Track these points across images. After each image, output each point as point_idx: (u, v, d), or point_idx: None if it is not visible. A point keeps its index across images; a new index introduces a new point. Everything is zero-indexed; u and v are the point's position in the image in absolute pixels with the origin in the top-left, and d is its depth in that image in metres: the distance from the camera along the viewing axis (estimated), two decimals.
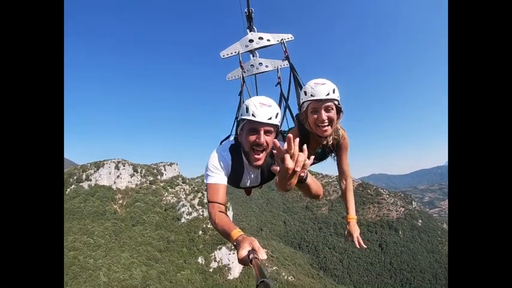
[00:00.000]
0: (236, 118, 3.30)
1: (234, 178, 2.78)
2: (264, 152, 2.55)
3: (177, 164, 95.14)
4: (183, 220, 72.65)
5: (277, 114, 2.52)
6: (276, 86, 4.48)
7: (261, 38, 4.64)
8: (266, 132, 2.48)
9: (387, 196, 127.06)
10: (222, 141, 3.11)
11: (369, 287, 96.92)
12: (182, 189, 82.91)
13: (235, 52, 4.62)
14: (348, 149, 3.22)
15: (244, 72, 4.72)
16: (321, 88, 2.69)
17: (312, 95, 2.72)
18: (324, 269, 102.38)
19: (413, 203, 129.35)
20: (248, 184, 3.00)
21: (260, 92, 5.32)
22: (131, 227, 67.24)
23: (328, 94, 2.67)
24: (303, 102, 2.87)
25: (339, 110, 2.80)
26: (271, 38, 4.63)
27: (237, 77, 5.16)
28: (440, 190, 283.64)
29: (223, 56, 4.64)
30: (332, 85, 2.74)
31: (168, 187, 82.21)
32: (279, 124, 2.59)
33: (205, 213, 74.03)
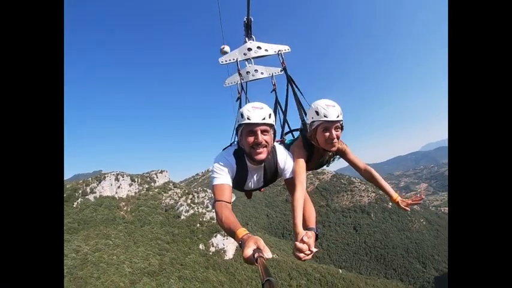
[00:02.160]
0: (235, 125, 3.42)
1: (238, 181, 2.99)
2: (265, 148, 2.78)
3: (167, 171, 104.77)
4: (182, 217, 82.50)
5: (270, 114, 2.78)
6: (271, 92, 4.67)
7: (259, 48, 4.83)
8: (263, 132, 2.73)
9: (359, 184, 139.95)
10: (224, 148, 3.18)
11: (347, 264, 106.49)
12: (175, 193, 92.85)
13: (233, 59, 4.78)
14: (350, 150, 3.57)
15: (242, 78, 4.92)
16: (333, 110, 2.95)
17: (325, 116, 2.96)
18: None
19: None
20: (252, 186, 3.20)
21: (254, 100, 4.81)
22: (140, 227, 76.92)
23: (338, 116, 2.97)
24: (314, 121, 3.09)
25: (342, 128, 3.14)
26: (269, 48, 4.83)
27: (234, 83, 5.38)
28: (415, 175, 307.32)
29: (222, 62, 4.78)
30: (339, 108, 3.03)
31: (163, 192, 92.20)
32: (273, 123, 2.83)
33: (200, 210, 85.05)
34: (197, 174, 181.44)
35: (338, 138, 3.09)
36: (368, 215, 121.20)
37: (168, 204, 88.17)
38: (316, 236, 2.51)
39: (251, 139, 2.71)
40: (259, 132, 2.70)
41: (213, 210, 2.73)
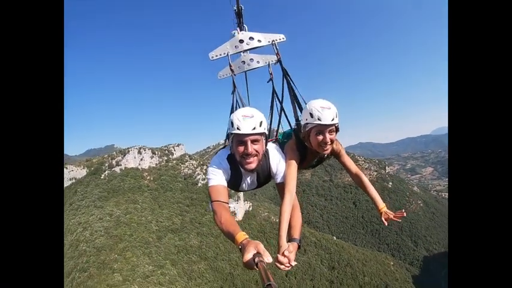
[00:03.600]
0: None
1: (233, 183, 3.06)
2: (256, 157, 2.81)
3: (183, 145, 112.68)
4: (199, 184, 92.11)
5: (261, 122, 2.73)
6: (267, 82, 4.63)
7: (251, 38, 4.55)
8: (253, 142, 2.73)
9: (362, 162, 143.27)
10: (218, 151, 3.21)
11: (344, 236, 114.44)
12: (191, 164, 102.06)
13: (224, 53, 4.50)
14: (344, 152, 3.51)
15: (234, 74, 4.56)
16: (327, 113, 2.88)
17: (319, 119, 2.89)
18: (307, 222, 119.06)
19: (386, 168, 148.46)
20: (246, 188, 3.26)
21: (252, 90, 5.18)
22: (163, 193, 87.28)
23: (333, 119, 2.91)
24: (308, 123, 3.01)
25: (337, 130, 3.07)
26: (262, 39, 4.55)
27: (228, 75, 4.92)
28: (422, 158, 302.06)
29: (212, 57, 4.50)
30: (335, 109, 2.95)
31: (180, 163, 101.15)
32: (265, 131, 2.80)
33: None
34: (208, 147, 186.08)
35: (332, 141, 3.06)
36: None
37: (187, 174, 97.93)
38: (298, 246, 2.66)
39: (241, 149, 2.73)
40: (249, 142, 2.71)
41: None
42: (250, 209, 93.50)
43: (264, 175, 3.19)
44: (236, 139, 2.75)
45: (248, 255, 1.79)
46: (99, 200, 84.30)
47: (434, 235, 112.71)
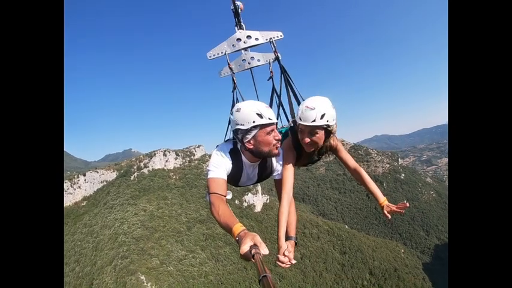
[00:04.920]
0: (230, 120, 3.26)
1: (233, 178, 3.04)
2: (279, 143, 2.89)
3: (203, 146, 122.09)
4: None
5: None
6: (268, 80, 4.63)
7: (249, 37, 4.59)
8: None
9: (375, 155, 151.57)
10: (218, 146, 3.19)
11: (357, 226, 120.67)
12: None
13: (221, 53, 4.53)
14: (342, 147, 3.45)
15: (234, 72, 4.60)
16: (308, 114, 2.88)
17: (300, 118, 2.94)
18: (322, 215, 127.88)
19: (399, 160, 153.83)
20: (245, 183, 3.29)
21: (251, 87, 5.09)
22: (189, 190, 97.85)
23: (314, 121, 2.87)
24: (295, 120, 3.12)
25: (328, 132, 3.01)
26: (260, 37, 4.60)
27: (229, 74, 4.86)
28: (438, 149, 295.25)
29: (210, 56, 4.53)
30: (321, 110, 2.88)
31: (202, 163, 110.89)
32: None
33: None
34: None
35: (314, 143, 3.04)
36: (381, 184, 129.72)
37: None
38: (295, 243, 2.91)
39: (271, 138, 2.79)
40: (276, 130, 2.82)
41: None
42: (268, 201, 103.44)
43: (266, 170, 3.24)
44: (265, 129, 2.77)
45: (245, 247, 1.80)
46: (132, 199, 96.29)
47: (446, 224, 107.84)
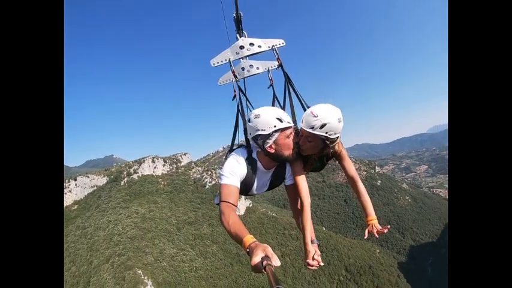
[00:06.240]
0: (237, 127, 3.69)
1: (246, 185, 3.11)
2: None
3: (189, 153, 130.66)
4: (207, 186, 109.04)
5: None
6: (268, 88, 4.80)
7: (251, 44, 4.69)
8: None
9: (353, 163, 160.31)
10: (231, 150, 3.39)
11: (336, 230, 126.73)
12: (197, 170, 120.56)
13: (225, 60, 4.62)
14: (347, 156, 3.46)
15: (238, 80, 4.67)
16: (310, 120, 2.93)
17: (302, 121, 3.00)
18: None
19: (376, 168, 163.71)
20: (256, 192, 3.34)
21: (253, 95, 5.23)
22: (177, 194, 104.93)
23: (312, 128, 2.91)
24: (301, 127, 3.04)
25: (323, 140, 2.98)
26: (262, 44, 4.69)
27: (229, 81, 5.10)
28: (417, 156, 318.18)
29: (214, 64, 4.61)
30: (323, 120, 2.87)
31: (188, 170, 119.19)
32: None
33: (219, 181, 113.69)
34: (208, 155, 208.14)
35: (307, 149, 3.08)
36: None
37: (196, 178, 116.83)
38: (318, 245, 2.97)
39: (291, 142, 2.93)
40: (294, 133, 2.94)
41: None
42: (250, 205, 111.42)
43: (279, 176, 3.31)
44: (285, 133, 2.88)
45: (256, 259, 1.80)
46: (123, 202, 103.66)
47: (421, 227, 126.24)
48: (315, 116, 2.90)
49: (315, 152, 3.21)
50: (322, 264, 2.91)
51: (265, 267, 1.71)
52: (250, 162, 3.10)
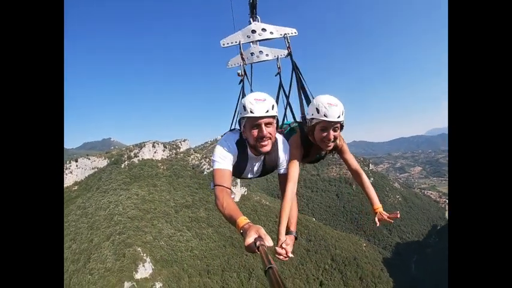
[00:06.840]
0: (236, 110, 3.63)
1: (238, 169, 3.11)
2: (270, 140, 2.86)
3: (188, 140, 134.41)
4: (205, 172, 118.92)
5: (273, 106, 2.80)
6: (275, 75, 4.81)
7: (264, 30, 4.67)
8: (267, 124, 2.79)
9: None
10: (224, 134, 3.27)
11: (326, 222, 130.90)
12: (196, 157, 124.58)
13: (235, 42, 4.65)
14: (347, 148, 3.53)
15: (246, 63, 4.63)
16: (334, 110, 2.92)
17: (325, 115, 2.94)
18: None
19: (370, 165, 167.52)
20: (249, 176, 3.35)
21: (259, 82, 5.26)
22: (176, 179, 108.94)
23: (339, 117, 2.94)
24: (313, 118, 3.07)
25: (342, 127, 3.11)
26: (275, 31, 4.68)
27: (237, 65, 5.19)
28: (412, 157, 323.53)
29: (223, 44, 4.63)
30: (342, 107, 2.97)
31: (187, 156, 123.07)
32: (276, 114, 2.88)
33: None
34: (206, 143, 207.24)
35: (336, 138, 3.09)
36: (350, 186, 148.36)
37: (194, 164, 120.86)
38: (295, 238, 2.91)
39: (255, 132, 2.80)
40: (263, 125, 2.78)
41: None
42: (246, 193, 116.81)
43: (271, 163, 3.25)
44: (250, 123, 2.81)
45: (249, 239, 1.83)
46: (124, 184, 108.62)
47: (409, 226, 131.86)
48: (335, 106, 3.00)
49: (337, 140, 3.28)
50: (291, 255, 2.75)
51: (258, 248, 1.75)
52: (241, 145, 3.06)
